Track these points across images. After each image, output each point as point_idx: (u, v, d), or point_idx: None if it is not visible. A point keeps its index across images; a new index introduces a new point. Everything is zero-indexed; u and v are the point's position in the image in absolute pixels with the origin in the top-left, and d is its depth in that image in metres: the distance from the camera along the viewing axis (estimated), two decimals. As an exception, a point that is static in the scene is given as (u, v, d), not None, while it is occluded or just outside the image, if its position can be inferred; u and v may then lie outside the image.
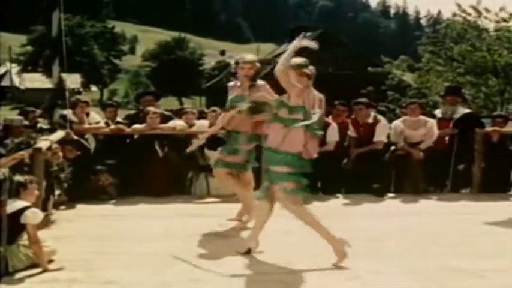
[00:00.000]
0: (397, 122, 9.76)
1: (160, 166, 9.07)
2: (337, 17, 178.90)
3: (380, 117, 9.78)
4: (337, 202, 8.90)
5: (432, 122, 9.56)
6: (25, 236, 5.46)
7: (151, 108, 9.36)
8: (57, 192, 7.77)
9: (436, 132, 9.49)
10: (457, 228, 7.14)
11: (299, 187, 5.70)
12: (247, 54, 7.07)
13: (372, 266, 5.58)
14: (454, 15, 20.07)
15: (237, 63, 6.96)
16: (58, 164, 7.62)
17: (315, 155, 5.79)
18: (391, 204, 8.85)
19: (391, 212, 8.21)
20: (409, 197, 9.08)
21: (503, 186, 9.76)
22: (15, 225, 5.37)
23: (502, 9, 19.24)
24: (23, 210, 5.44)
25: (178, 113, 10.24)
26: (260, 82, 6.91)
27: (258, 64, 6.97)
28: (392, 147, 9.57)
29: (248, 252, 5.93)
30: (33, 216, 5.47)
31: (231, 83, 7.19)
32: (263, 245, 6.02)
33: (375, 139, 9.37)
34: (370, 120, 9.45)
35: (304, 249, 6.05)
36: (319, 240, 5.75)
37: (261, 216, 6.00)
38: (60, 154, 7.77)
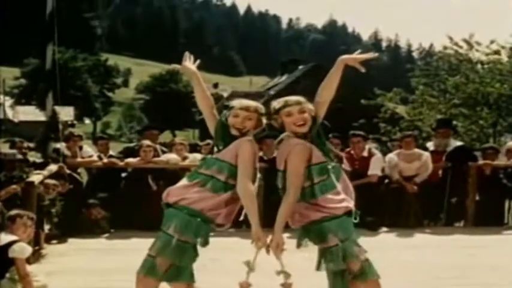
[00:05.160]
0: (391, 155, 9.75)
1: (154, 200, 9.00)
2: (329, 50, 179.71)
3: (374, 150, 9.76)
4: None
5: (427, 155, 9.55)
6: (15, 271, 5.40)
7: (145, 142, 9.34)
8: (47, 226, 7.71)
9: (431, 165, 9.49)
10: (451, 262, 7.10)
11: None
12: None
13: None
14: (445, 48, 20.23)
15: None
16: (50, 199, 7.58)
17: None
18: (385, 237, 8.82)
19: (385, 246, 8.15)
20: (403, 230, 9.04)
21: (497, 219, 9.73)
22: (3, 260, 5.32)
23: (492, 42, 19.43)
24: (10, 244, 5.39)
25: (168, 146, 10.22)
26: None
27: None
28: (386, 180, 9.56)
29: None
30: (21, 250, 5.41)
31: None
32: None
33: (370, 172, 9.34)
34: (365, 154, 9.43)
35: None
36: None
37: None
38: (54, 191, 7.74)
